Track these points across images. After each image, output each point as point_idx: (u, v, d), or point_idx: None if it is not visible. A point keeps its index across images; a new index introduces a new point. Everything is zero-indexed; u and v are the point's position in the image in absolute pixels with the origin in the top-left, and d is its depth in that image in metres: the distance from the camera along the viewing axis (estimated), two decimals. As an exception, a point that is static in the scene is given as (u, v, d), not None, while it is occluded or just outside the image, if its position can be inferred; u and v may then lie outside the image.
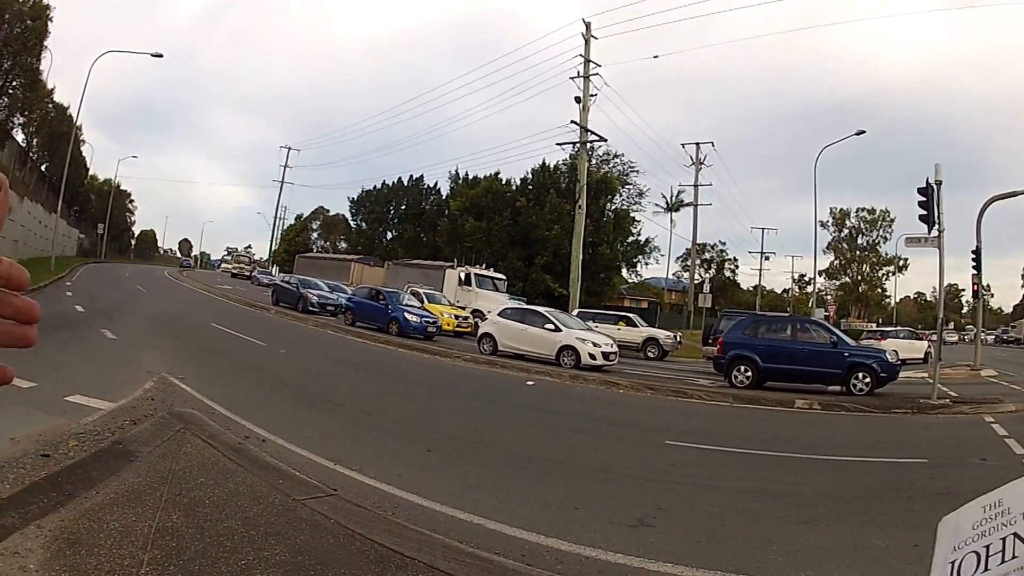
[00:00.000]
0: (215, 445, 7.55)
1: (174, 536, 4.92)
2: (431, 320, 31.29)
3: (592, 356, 23.99)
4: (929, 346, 37.96)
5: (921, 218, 19.59)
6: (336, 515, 6.01)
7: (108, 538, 4.64)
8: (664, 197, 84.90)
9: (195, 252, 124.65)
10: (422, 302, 34.79)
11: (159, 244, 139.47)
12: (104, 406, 9.01)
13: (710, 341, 32.04)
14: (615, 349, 25.79)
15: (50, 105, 55.63)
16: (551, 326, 25.11)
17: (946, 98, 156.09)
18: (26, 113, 51.89)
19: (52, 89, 54.66)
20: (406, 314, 30.32)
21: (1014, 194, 24.76)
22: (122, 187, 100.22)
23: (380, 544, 5.44)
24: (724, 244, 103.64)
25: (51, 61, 69.23)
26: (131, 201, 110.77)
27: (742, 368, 20.71)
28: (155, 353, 15.16)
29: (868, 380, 19.81)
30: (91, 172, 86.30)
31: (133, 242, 77.67)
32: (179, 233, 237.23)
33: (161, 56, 47.55)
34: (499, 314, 27.11)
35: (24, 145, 56.11)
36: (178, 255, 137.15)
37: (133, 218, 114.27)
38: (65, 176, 52.28)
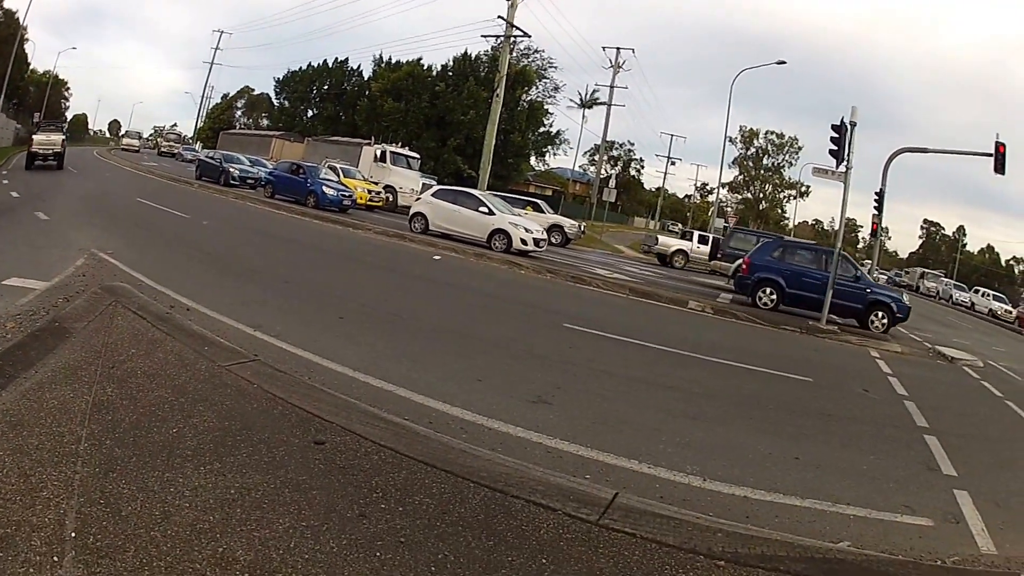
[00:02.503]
0: (144, 316, 7.44)
1: (109, 409, 4.91)
2: (347, 194, 30.85)
3: (524, 241, 23.52)
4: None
5: (831, 152, 19.51)
6: (259, 380, 6.05)
7: (48, 416, 4.61)
8: (579, 94, 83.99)
9: (123, 131, 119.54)
10: (339, 177, 34.06)
11: (90, 127, 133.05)
12: (39, 286, 8.70)
13: (719, 256, 31.45)
14: (544, 236, 25.25)
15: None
16: (484, 209, 24.39)
17: (872, 50, 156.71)
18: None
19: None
20: (324, 187, 29.95)
21: (923, 150, 25.15)
22: (60, 77, 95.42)
23: (300, 408, 5.51)
24: (632, 145, 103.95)
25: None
26: (67, 90, 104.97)
27: (767, 290, 20.09)
28: (85, 231, 14.54)
29: (885, 319, 19.70)
30: (32, 67, 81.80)
31: (66, 126, 74.26)
32: (110, 115, 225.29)
33: None
34: (432, 194, 26.16)
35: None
36: (108, 135, 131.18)
37: (68, 104, 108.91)
38: (8, 75, 49.33)
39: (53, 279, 9.26)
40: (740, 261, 21.78)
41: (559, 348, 10.71)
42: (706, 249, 37.84)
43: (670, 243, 38.92)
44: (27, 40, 69.62)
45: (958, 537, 5.89)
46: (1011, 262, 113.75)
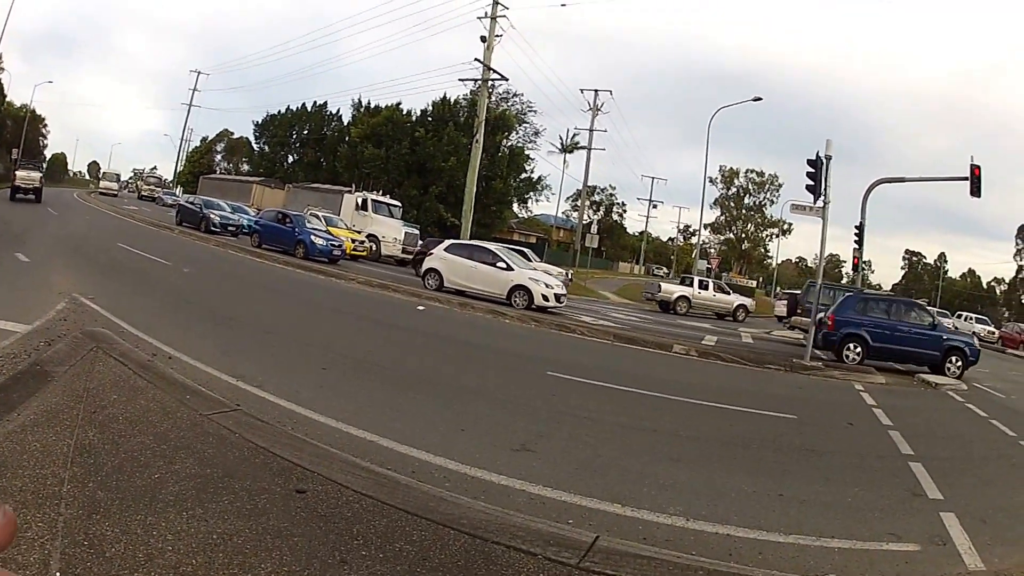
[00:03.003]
0: (125, 363, 7.48)
1: (92, 454, 4.95)
2: (336, 244, 30.12)
3: (545, 297, 22.72)
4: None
5: (808, 188, 19.61)
6: (240, 429, 6.08)
7: (31, 459, 4.64)
8: (560, 138, 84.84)
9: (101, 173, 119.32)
10: (324, 226, 33.94)
11: (69, 167, 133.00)
12: (20, 329, 8.73)
13: (798, 312, 31.05)
14: (564, 291, 24.70)
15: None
16: (502, 264, 23.45)
17: (846, 84, 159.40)
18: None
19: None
20: (312, 237, 29.15)
21: (901, 180, 25.47)
22: (37, 112, 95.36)
23: (282, 457, 5.56)
24: (614, 188, 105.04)
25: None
26: (44, 126, 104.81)
27: (852, 346, 20.03)
28: (66, 274, 14.61)
29: (960, 364, 19.75)
30: (8, 98, 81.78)
31: (45, 165, 74.07)
32: (88, 155, 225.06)
33: None
34: (445, 249, 24.96)
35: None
36: (87, 177, 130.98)
37: (46, 141, 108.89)
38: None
39: (34, 322, 9.26)
40: (823, 316, 21.72)
41: (543, 396, 10.72)
42: (708, 294, 38.55)
43: (673, 290, 39.17)
44: (2, 70, 69.93)
45: (945, 558, 5.96)
46: (992, 283, 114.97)
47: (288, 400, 7.85)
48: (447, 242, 26.75)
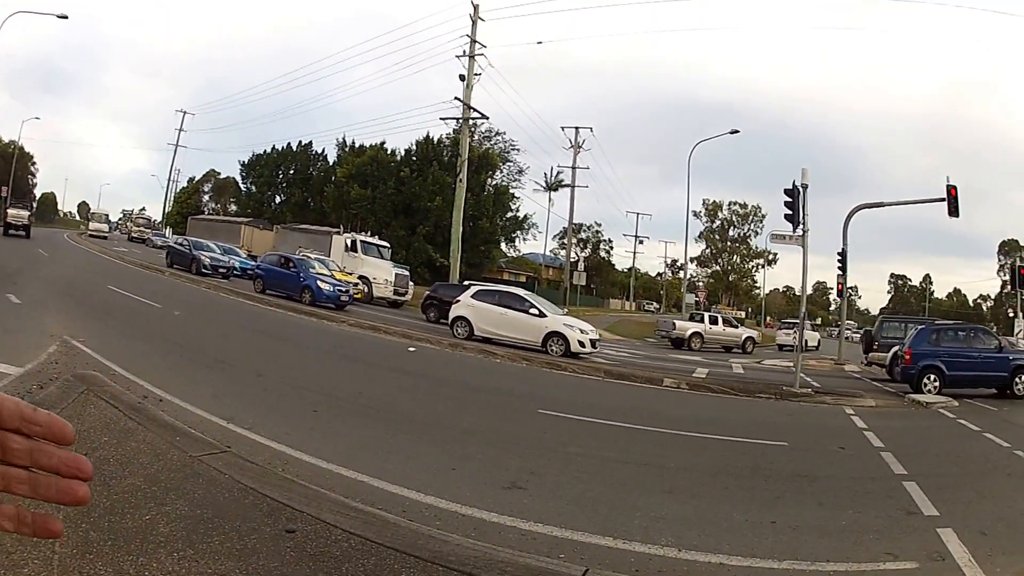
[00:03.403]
0: (116, 405, 7.52)
1: None
2: (343, 289, 29.29)
3: (581, 343, 22.18)
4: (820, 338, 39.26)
5: (787, 217, 19.82)
6: (230, 471, 6.10)
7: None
8: (545, 176, 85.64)
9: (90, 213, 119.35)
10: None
11: (59, 207, 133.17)
12: (12, 371, 8.78)
13: (875, 347, 30.69)
14: (598, 336, 24.20)
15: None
16: (535, 311, 22.92)
17: (824, 111, 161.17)
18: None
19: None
20: (319, 282, 28.31)
21: (880, 204, 25.81)
22: (25, 149, 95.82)
23: (272, 498, 5.57)
24: (600, 225, 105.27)
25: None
26: (33, 164, 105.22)
27: (931, 377, 19.91)
28: (57, 316, 14.67)
29: None
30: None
31: (35, 205, 74.35)
32: (78, 195, 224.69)
33: (66, 18, 45.70)
34: (473, 296, 24.18)
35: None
36: (77, 218, 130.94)
37: (35, 180, 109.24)
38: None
39: (26, 365, 9.32)
40: (897, 350, 21.72)
41: (533, 433, 10.79)
42: (718, 329, 39.42)
43: (687, 326, 39.49)
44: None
45: (945, 573, 5.95)
46: (978, 300, 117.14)
47: (278, 442, 7.87)
48: (473, 288, 25.91)
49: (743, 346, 39.54)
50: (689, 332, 38.66)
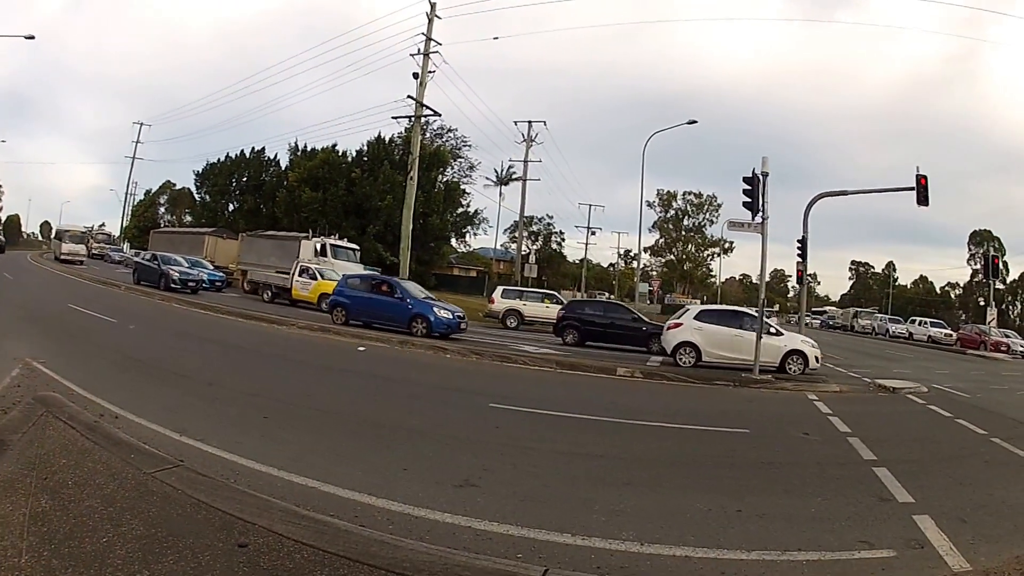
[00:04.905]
0: (74, 426, 7.56)
1: (45, 521, 5.01)
2: (461, 315, 25.22)
3: (817, 359, 21.24)
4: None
5: (745, 205, 19.86)
6: (183, 485, 6.14)
7: None
8: (496, 171, 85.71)
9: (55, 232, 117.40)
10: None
11: (23, 228, 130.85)
12: (-23, 398, 8.82)
13: None
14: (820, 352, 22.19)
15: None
16: (773, 330, 21.46)
17: (783, 103, 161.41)
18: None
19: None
20: (435, 309, 24.27)
21: (842, 193, 25.93)
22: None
23: (223, 511, 5.61)
24: (551, 218, 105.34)
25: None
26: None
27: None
28: (19, 340, 14.53)
29: None
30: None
31: (1, 228, 73.67)
32: (41, 215, 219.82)
33: (33, 38, 45.37)
34: (695, 317, 21.94)
35: None
36: (39, 238, 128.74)
37: (0, 204, 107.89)
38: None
39: (-9, 391, 9.26)
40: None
41: (485, 429, 10.75)
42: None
43: None
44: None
45: (925, 562, 5.89)
46: (946, 288, 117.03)
47: (230, 452, 7.88)
48: (695, 309, 23.88)
49: None
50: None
